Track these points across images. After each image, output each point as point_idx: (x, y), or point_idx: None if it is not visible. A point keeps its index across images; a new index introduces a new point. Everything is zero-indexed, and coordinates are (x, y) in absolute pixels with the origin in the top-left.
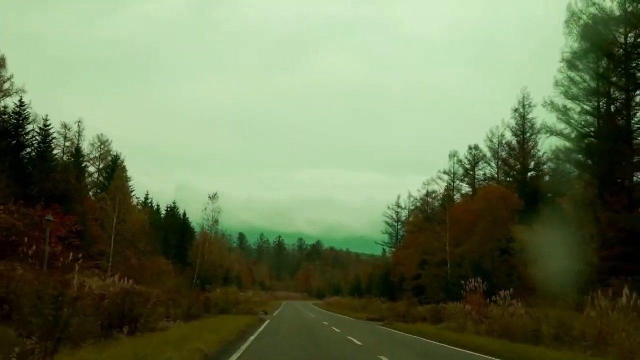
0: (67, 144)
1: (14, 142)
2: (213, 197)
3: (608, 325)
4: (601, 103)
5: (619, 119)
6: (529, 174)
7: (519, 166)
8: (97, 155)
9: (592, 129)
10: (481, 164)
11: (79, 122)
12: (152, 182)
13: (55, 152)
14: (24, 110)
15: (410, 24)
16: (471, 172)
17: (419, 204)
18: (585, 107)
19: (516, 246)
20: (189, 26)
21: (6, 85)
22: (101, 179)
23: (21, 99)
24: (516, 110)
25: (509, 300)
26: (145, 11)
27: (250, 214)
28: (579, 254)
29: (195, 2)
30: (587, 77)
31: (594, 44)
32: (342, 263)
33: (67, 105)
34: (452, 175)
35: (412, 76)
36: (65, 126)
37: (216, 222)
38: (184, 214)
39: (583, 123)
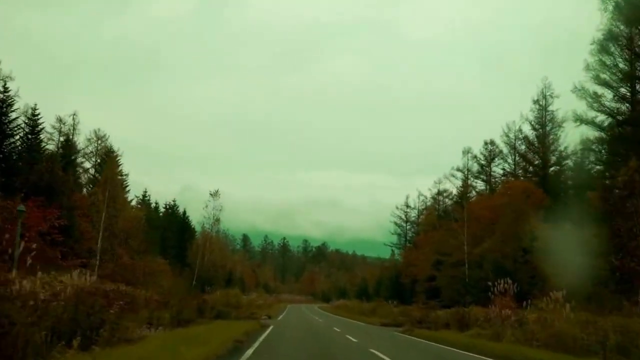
0: (62, 138)
1: None
2: (214, 194)
3: None
4: (637, 87)
5: None
6: (550, 169)
7: (538, 161)
8: (92, 150)
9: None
10: (497, 160)
11: (74, 114)
12: (152, 183)
13: (49, 147)
14: (8, 97)
15: (412, 26)
16: (487, 168)
17: (428, 203)
18: (621, 90)
19: (540, 245)
20: (190, 27)
21: None
22: (97, 174)
23: (5, 84)
24: (536, 102)
25: (561, 302)
26: (147, 12)
27: (254, 216)
28: (614, 252)
29: (197, 3)
30: (620, 60)
31: (630, 19)
32: (347, 265)
33: (67, 105)
34: (466, 172)
35: (416, 77)
36: (60, 120)
37: (217, 220)
38: (184, 212)
39: (616, 110)
